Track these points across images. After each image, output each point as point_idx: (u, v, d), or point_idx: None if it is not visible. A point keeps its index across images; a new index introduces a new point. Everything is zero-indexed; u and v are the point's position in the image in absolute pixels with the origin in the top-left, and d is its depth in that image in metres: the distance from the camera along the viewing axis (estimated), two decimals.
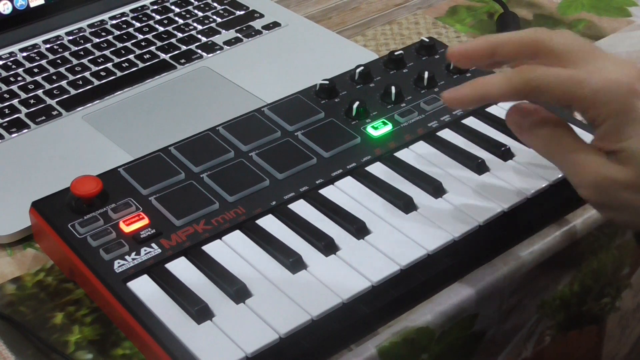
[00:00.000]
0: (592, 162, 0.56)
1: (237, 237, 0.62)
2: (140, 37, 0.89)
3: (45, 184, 0.69)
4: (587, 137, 0.63)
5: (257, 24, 0.91)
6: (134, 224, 0.62)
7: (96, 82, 0.83)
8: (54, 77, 0.83)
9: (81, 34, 0.89)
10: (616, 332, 0.79)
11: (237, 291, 0.57)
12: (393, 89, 0.74)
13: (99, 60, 0.85)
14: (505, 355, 0.68)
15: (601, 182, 0.56)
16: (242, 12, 0.93)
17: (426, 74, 0.76)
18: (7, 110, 0.79)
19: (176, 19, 0.92)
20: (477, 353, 0.66)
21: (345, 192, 0.66)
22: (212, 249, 0.61)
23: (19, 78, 0.83)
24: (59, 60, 0.85)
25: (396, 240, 0.62)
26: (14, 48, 0.87)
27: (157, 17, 0.92)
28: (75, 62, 0.85)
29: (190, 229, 0.62)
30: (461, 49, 0.61)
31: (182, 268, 0.60)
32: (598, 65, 0.56)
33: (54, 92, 0.81)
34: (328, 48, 0.88)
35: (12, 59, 0.86)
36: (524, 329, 0.68)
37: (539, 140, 0.58)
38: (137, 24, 0.91)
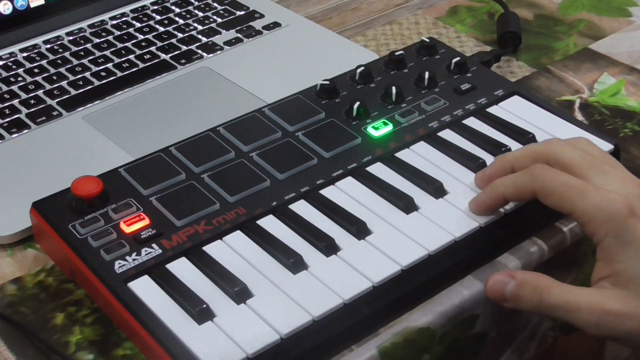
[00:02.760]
0: (590, 300, 0.56)
1: (237, 238, 0.62)
2: (141, 37, 0.89)
3: (46, 185, 0.69)
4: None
5: (257, 24, 0.91)
6: (135, 224, 0.62)
7: (96, 83, 0.82)
8: (55, 78, 0.83)
9: (81, 34, 0.89)
10: None
11: (238, 292, 0.57)
12: (394, 89, 0.74)
13: (100, 61, 0.85)
14: (507, 356, 0.68)
15: (604, 317, 0.56)
16: (242, 13, 0.93)
17: (427, 74, 0.76)
18: (7, 111, 0.79)
19: (176, 19, 0.92)
20: (479, 354, 0.66)
21: (346, 192, 0.66)
22: (213, 249, 0.61)
23: (20, 78, 0.83)
24: (59, 61, 0.85)
25: (397, 241, 0.61)
26: (14, 48, 0.87)
27: (158, 18, 0.92)
28: (75, 62, 0.85)
29: (190, 230, 0.62)
30: (484, 175, 0.64)
31: (182, 268, 0.60)
32: (602, 180, 0.58)
33: (55, 92, 0.81)
34: (328, 48, 0.88)
35: (12, 59, 0.86)
36: (526, 330, 0.68)
37: (526, 304, 0.58)
38: (138, 24, 0.91)
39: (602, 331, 0.56)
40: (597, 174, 0.59)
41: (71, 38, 0.89)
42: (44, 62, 0.85)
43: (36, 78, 0.83)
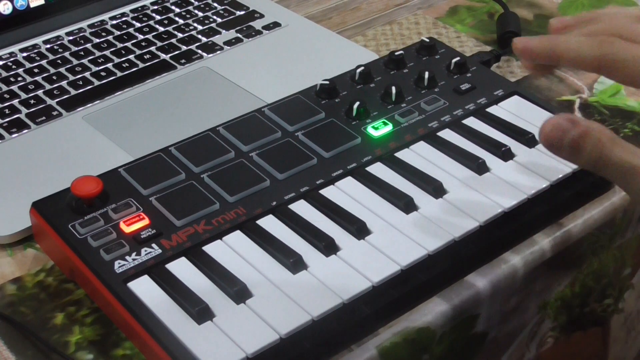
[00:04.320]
0: None
1: (237, 238, 0.62)
2: (141, 37, 0.89)
3: (46, 184, 0.69)
4: None
5: (257, 24, 0.91)
6: (135, 224, 0.62)
7: (96, 83, 0.82)
8: (54, 78, 0.83)
9: (81, 34, 0.89)
10: (621, 334, 0.79)
11: (238, 291, 0.57)
12: (393, 89, 0.74)
13: (99, 61, 0.85)
14: (507, 356, 0.68)
15: None
16: (242, 12, 0.93)
17: (426, 74, 0.76)
18: (7, 111, 0.79)
19: (176, 19, 0.92)
20: (479, 354, 0.66)
21: (346, 192, 0.66)
22: (213, 249, 0.61)
23: (19, 78, 0.83)
24: (59, 61, 0.85)
25: (396, 241, 0.61)
26: (14, 48, 0.87)
27: (158, 17, 0.92)
28: (75, 62, 0.85)
29: (190, 229, 0.62)
30: (561, 21, 0.59)
31: (182, 268, 0.60)
32: None
33: (54, 92, 0.81)
34: (328, 48, 0.88)
35: (12, 59, 0.86)
36: (526, 330, 0.68)
37: (584, 156, 0.53)
38: (138, 24, 0.91)
39: None
40: None
41: (71, 38, 0.89)
42: (44, 62, 0.85)
43: (36, 78, 0.83)
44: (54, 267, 0.65)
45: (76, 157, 0.74)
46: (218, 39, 0.89)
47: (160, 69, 0.84)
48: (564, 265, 0.69)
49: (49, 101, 0.80)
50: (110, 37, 0.89)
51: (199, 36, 0.89)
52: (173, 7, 0.94)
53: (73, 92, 0.81)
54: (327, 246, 0.61)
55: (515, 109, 0.74)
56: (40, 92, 0.81)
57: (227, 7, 0.94)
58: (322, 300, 0.57)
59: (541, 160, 0.68)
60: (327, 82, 0.75)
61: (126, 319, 0.57)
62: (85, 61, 0.85)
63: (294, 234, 0.62)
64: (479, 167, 0.67)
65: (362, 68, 0.77)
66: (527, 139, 0.70)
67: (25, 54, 0.86)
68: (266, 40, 0.89)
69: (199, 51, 0.87)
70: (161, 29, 0.90)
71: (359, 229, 0.62)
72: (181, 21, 0.91)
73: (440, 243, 0.61)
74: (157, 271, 0.59)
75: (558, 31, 0.59)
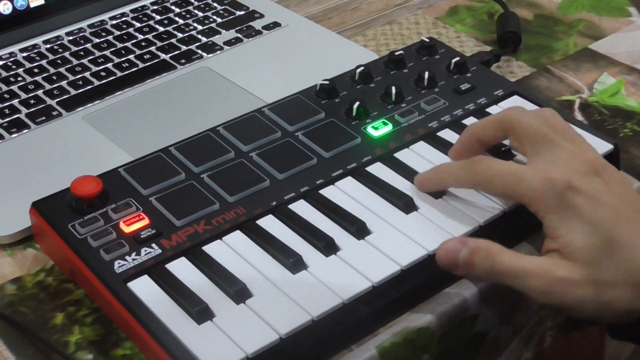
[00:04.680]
0: (540, 267, 0.57)
1: (237, 238, 0.62)
2: (141, 37, 0.89)
3: (46, 184, 0.69)
4: None
5: (257, 24, 0.91)
6: (135, 224, 0.62)
7: (96, 82, 0.83)
8: (54, 78, 0.83)
9: (81, 34, 0.89)
10: None
11: (238, 291, 0.57)
12: (393, 89, 0.74)
13: (99, 61, 0.85)
14: (505, 356, 0.68)
15: (555, 284, 0.56)
16: (242, 12, 0.93)
17: (426, 74, 0.76)
18: (7, 111, 0.79)
19: (176, 19, 0.92)
20: (479, 354, 0.66)
21: (346, 192, 0.66)
22: (213, 249, 0.61)
23: (19, 78, 0.83)
24: (59, 61, 0.85)
25: (396, 241, 0.61)
26: (14, 48, 0.87)
27: (157, 17, 0.92)
28: (75, 62, 0.85)
29: (190, 229, 0.62)
30: (454, 150, 0.66)
31: (182, 268, 0.60)
32: (549, 156, 0.59)
33: (54, 92, 0.81)
34: (328, 48, 0.88)
35: (12, 59, 0.86)
36: (525, 330, 0.68)
37: (478, 270, 0.59)
38: (137, 24, 0.91)
39: (551, 299, 0.57)
40: (545, 149, 0.60)
41: (71, 38, 0.89)
42: (43, 62, 0.85)
43: (36, 78, 0.83)
44: (54, 267, 0.65)
45: (76, 157, 0.74)
46: (218, 39, 0.89)
47: (160, 69, 0.84)
48: None
49: (49, 101, 0.80)
50: (110, 37, 0.89)
51: (199, 36, 0.89)
52: (173, 7, 0.94)
53: (73, 92, 0.81)
54: (327, 246, 0.61)
55: None
56: (40, 92, 0.81)
57: (227, 7, 0.94)
58: (322, 300, 0.57)
59: None
60: (327, 82, 0.75)
61: (126, 319, 0.57)
62: (85, 61, 0.85)
63: (294, 234, 0.62)
64: None
65: (362, 68, 0.77)
66: None
67: (25, 54, 0.86)
68: (266, 40, 0.89)
69: (199, 51, 0.87)
70: (161, 29, 0.90)
71: (359, 229, 0.62)
72: (181, 21, 0.92)
73: (440, 243, 0.61)
74: (157, 271, 0.59)
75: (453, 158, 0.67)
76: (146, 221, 0.63)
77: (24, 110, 0.79)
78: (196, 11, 0.93)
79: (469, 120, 0.72)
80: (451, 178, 0.63)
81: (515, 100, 0.75)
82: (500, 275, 0.58)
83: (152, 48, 0.87)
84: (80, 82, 0.82)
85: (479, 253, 0.58)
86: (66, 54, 0.86)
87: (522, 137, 0.61)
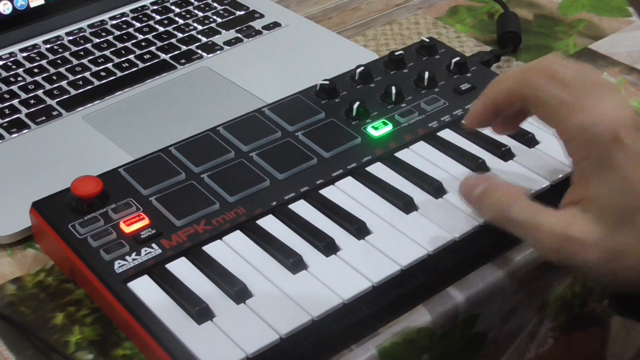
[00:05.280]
0: (554, 224, 0.54)
1: (237, 238, 0.62)
2: (141, 37, 0.89)
3: (46, 184, 0.69)
4: None
5: (257, 24, 0.91)
6: (135, 224, 0.62)
7: (96, 82, 0.83)
8: (54, 78, 0.83)
9: (81, 34, 0.89)
10: (621, 334, 0.79)
11: (238, 291, 0.57)
12: (393, 89, 0.74)
13: (99, 61, 0.85)
14: (507, 356, 0.68)
15: (565, 244, 0.54)
16: (242, 12, 0.93)
17: (426, 74, 0.76)
18: (7, 111, 0.79)
19: (176, 19, 0.92)
20: (479, 354, 0.66)
21: (346, 192, 0.66)
22: (213, 249, 0.61)
23: (19, 78, 0.83)
24: (59, 61, 0.85)
25: (396, 241, 0.61)
26: (14, 48, 0.87)
27: (157, 17, 0.92)
28: (75, 62, 0.85)
29: (190, 229, 0.62)
30: (468, 117, 0.62)
31: (182, 268, 0.60)
32: (597, 100, 0.54)
33: (54, 92, 0.81)
34: (328, 48, 0.88)
35: (12, 59, 0.86)
36: (526, 331, 0.68)
37: (488, 210, 0.57)
38: (137, 24, 0.91)
39: (559, 257, 0.54)
40: (593, 94, 0.55)
41: (71, 38, 0.89)
42: (43, 62, 0.85)
43: (36, 78, 0.83)
44: (54, 267, 0.65)
45: (76, 157, 0.74)
46: (218, 39, 0.89)
47: (160, 69, 0.84)
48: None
49: (49, 101, 0.80)
50: (110, 37, 0.89)
51: (199, 36, 0.89)
52: (173, 7, 0.94)
53: (73, 92, 0.81)
54: (327, 246, 0.61)
55: None
56: (40, 92, 0.81)
57: (227, 7, 0.94)
58: (322, 300, 0.57)
59: (541, 160, 0.68)
60: (327, 82, 0.75)
61: (126, 319, 0.57)
62: (85, 61, 0.85)
63: (294, 234, 0.62)
64: (479, 167, 0.67)
65: (362, 68, 0.77)
66: (527, 139, 0.70)
67: (25, 54, 0.86)
68: (266, 40, 0.89)
69: (199, 51, 0.87)
70: (161, 29, 0.90)
71: (359, 229, 0.62)
72: (181, 21, 0.92)
73: (440, 243, 0.61)
74: (157, 271, 0.59)
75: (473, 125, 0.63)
76: (146, 221, 0.63)
77: (24, 110, 0.79)
78: (196, 11, 0.93)
79: None
80: (502, 90, 0.58)
81: None
82: (509, 223, 0.56)
83: (152, 48, 0.87)
84: (80, 82, 0.82)
85: (491, 195, 0.56)
86: (66, 54, 0.86)
87: (566, 84, 0.55)
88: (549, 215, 0.55)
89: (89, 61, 0.85)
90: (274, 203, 0.65)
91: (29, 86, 0.82)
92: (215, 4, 0.94)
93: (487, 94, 0.60)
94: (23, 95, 0.81)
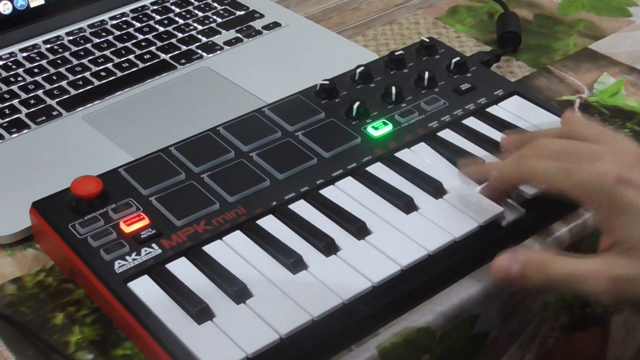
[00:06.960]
0: (596, 269, 0.56)
1: (237, 238, 0.62)
2: (141, 37, 0.89)
3: (46, 184, 0.69)
4: None
5: (257, 24, 0.91)
6: (135, 224, 0.62)
7: (96, 82, 0.83)
8: (54, 78, 0.83)
9: (81, 34, 0.89)
10: (621, 334, 0.79)
11: (238, 291, 0.57)
12: (393, 89, 0.74)
13: (99, 61, 0.85)
14: (508, 357, 0.68)
15: (614, 284, 0.55)
16: (242, 12, 0.93)
17: (426, 74, 0.76)
18: (7, 111, 0.79)
19: (176, 19, 0.92)
20: (479, 355, 0.66)
21: (346, 192, 0.66)
22: (213, 249, 0.61)
23: (19, 78, 0.83)
24: (59, 61, 0.85)
25: (397, 241, 0.61)
26: (14, 48, 0.87)
27: (158, 17, 0.92)
28: (75, 62, 0.85)
29: (190, 229, 0.62)
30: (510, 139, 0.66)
31: (182, 268, 0.60)
32: (597, 152, 0.58)
33: (54, 92, 0.81)
34: (328, 48, 0.88)
35: (12, 59, 0.86)
36: (527, 331, 0.68)
37: (533, 282, 0.57)
38: (137, 24, 0.91)
39: (615, 298, 0.56)
40: (587, 153, 0.59)
41: (71, 38, 0.89)
42: (44, 62, 0.85)
43: (36, 78, 0.83)
44: (54, 267, 0.65)
45: (76, 157, 0.74)
46: (218, 39, 0.89)
47: (160, 69, 0.84)
48: None
49: (49, 101, 0.80)
50: (110, 37, 0.89)
51: (199, 36, 0.89)
52: (173, 7, 0.94)
53: (73, 92, 0.81)
54: (327, 246, 0.61)
55: (515, 109, 0.74)
56: (40, 92, 0.81)
57: (227, 7, 0.94)
58: (322, 300, 0.57)
59: None
60: (327, 82, 0.75)
61: (126, 319, 0.57)
62: (85, 61, 0.85)
63: (294, 234, 0.62)
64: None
65: (362, 68, 0.77)
66: None
67: (25, 54, 0.86)
68: (266, 40, 0.89)
69: (199, 51, 0.87)
70: (161, 29, 0.90)
71: (359, 229, 0.62)
72: (181, 21, 0.91)
73: (440, 243, 0.61)
74: (157, 271, 0.59)
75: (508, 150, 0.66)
76: (146, 221, 0.63)
77: (24, 110, 0.79)
78: (196, 11, 0.93)
79: (469, 121, 0.72)
80: (497, 169, 0.63)
81: (516, 100, 0.75)
82: (556, 283, 0.57)
83: (152, 48, 0.87)
84: (81, 82, 0.82)
85: (531, 265, 0.57)
86: (66, 54, 0.86)
87: (561, 155, 0.60)
88: (589, 263, 0.57)
89: (89, 61, 0.85)
90: (274, 203, 0.65)
91: (29, 86, 0.82)
92: (215, 4, 0.94)
93: (493, 185, 0.64)
94: (23, 95, 0.81)
